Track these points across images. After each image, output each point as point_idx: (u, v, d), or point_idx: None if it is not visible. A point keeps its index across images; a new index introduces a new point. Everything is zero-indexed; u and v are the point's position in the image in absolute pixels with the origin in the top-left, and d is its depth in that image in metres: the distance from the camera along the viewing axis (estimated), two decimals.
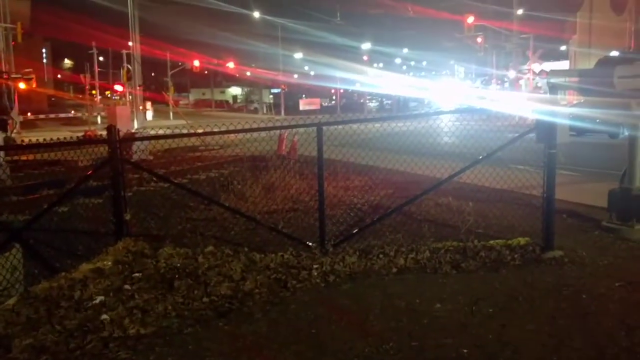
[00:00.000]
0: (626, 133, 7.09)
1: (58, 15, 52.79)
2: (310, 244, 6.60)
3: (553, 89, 7.99)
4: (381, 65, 71.83)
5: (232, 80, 78.75)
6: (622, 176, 7.32)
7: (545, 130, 6.31)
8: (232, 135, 9.33)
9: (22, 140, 9.55)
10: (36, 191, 11.76)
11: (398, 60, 77.40)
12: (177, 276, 5.67)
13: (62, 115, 45.31)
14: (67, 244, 7.41)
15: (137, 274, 5.74)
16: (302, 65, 65.25)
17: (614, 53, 8.09)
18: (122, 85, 42.89)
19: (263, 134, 9.34)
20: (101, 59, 55.99)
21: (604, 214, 7.47)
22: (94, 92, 50.82)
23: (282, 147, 16.74)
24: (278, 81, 56.98)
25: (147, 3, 46.56)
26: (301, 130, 7.34)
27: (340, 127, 7.59)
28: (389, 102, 55.62)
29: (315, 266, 5.97)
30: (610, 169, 7.75)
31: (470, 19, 44.48)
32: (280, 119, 46.10)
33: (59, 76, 73.83)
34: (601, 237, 7.05)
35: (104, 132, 6.90)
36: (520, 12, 41.89)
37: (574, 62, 39.26)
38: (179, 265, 5.96)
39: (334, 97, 60.63)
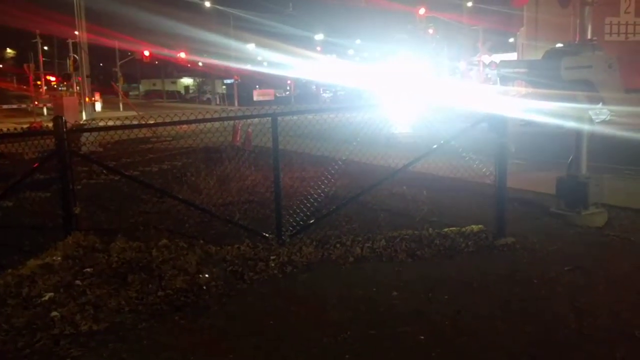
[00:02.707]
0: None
1: None
2: (267, 235, 6.55)
3: (503, 79, 8.16)
4: (334, 56, 71.93)
5: (184, 70, 77.42)
6: (570, 164, 7.56)
7: (496, 121, 6.45)
8: (184, 127, 9.15)
9: None
10: None
11: (351, 52, 77.71)
12: (130, 270, 5.53)
13: (6, 107, 43.48)
14: (13, 239, 7.11)
15: (88, 269, 5.57)
16: (256, 56, 64.70)
17: (560, 45, 8.31)
18: (55, 75, 41.41)
19: (217, 124, 9.19)
20: (46, 48, 54.08)
21: (553, 201, 7.70)
22: (39, 82, 48.98)
23: (236, 138, 16.56)
24: (231, 71, 56.31)
25: None
26: (255, 120, 7.26)
27: (295, 117, 7.55)
28: (343, 92, 55.82)
29: (272, 257, 5.93)
30: (558, 157, 7.99)
31: (422, 11, 45.01)
32: (234, 109, 45.65)
33: (0, 66, 70.88)
34: (550, 223, 7.28)
35: (51, 124, 6.64)
36: (469, 4, 42.68)
37: (522, 54, 40.30)
38: (132, 259, 5.82)
39: (288, 88, 60.34)
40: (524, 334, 4.29)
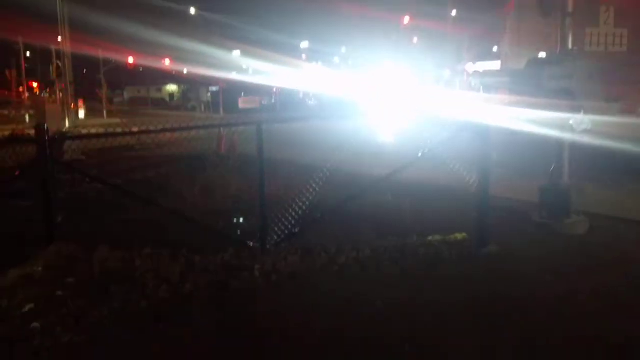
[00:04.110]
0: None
1: None
2: (251, 243, 6.53)
3: (486, 88, 8.25)
4: (319, 64, 72.19)
5: (169, 78, 77.11)
6: (552, 173, 7.64)
7: (479, 130, 6.51)
8: (169, 134, 9.11)
9: None
10: None
11: (336, 60, 78.03)
12: (113, 280, 5.47)
13: None
14: None
15: (70, 279, 5.51)
16: (241, 63, 64.67)
17: (543, 54, 8.43)
18: (37, 82, 41.09)
19: (202, 132, 9.17)
20: (28, 54, 53.59)
21: (536, 209, 7.76)
22: (21, 89, 48.52)
23: (222, 145, 16.49)
24: (216, 79, 56.17)
25: None
26: (241, 128, 7.25)
27: (280, 125, 7.56)
28: (328, 100, 56.00)
29: (256, 266, 5.91)
30: (541, 166, 8.07)
31: (406, 19, 45.42)
32: (219, 117, 45.53)
33: None
34: (533, 231, 7.34)
35: (33, 132, 6.58)
36: (454, 13, 43.13)
37: (506, 63, 40.77)
38: (115, 268, 5.77)
39: (273, 96, 60.34)
40: (505, 342, 4.32)
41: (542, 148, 8.03)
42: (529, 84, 7.50)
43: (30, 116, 39.12)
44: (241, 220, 7.99)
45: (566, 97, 7.19)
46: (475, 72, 36.40)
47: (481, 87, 8.38)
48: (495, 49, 44.56)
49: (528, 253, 6.40)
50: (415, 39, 46.96)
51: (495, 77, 8.64)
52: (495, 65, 40.62)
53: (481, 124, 6.50)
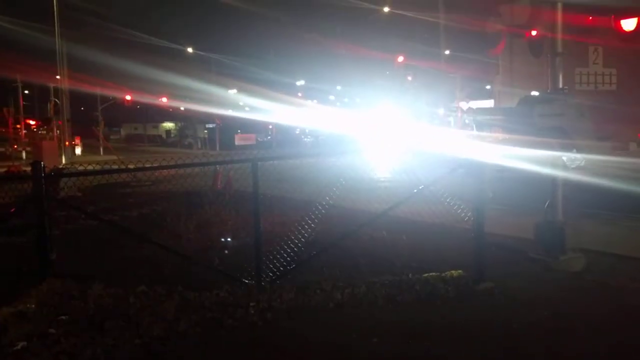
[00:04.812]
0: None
1: None
2: (246, 281, 6.50)
3: (479, 126, 8.36)
4: (315, 102, 73.01)
5: (166, 115, 77.68)
6: (546, 209, 7.68)
7: (474, 167, 6.58)
8: (165, 171, 9.16)
9: None
10: None
11: (332, 97, 78.97)
12: (107, 317, 5.42)
13: None
14: None
15: (63, 317, 5.45)
16: (237, 100, 65.33)
17: (534, 93, 8.58)
18: (35, 120, 41.45)
19: (197, 169, 9.21)
20: (27, 92, 54.04)
21: (532, 246, 7.78)
22: (18, 126, 48.72)
23: (217, 182, 16.53)
24: (212, 116, 56.63)
25: (76, 36, 45.53)
26: (237, 165, 7.30)
27: (276, 162, 7.62)
28: (324, 137, 56.39)
29: (252, 304, 5.87)
30: (535, 202, 8.13)
31: (400, 58, 46.16)
32: (215, 154, 45.73)
33: None
34: (529, 268, 7.33)
35: (29, 168, 6.60)
36: (447, 52, 43.88)
37: (498, 101, 41.35)
38: (109, 306, 5.72)
39: (269, 133, 60.74)
40: None
41: (536, 185, 8.10)
42: (521, 122, 7.61)
43: (27, 153, 39.24)
44: (236, 256, 7.96)
45: (558, 134, 7.29)
46: (469, 109, 36.84)
47: (474, 125, 8.48)
48: (488, 87, 45.26)
49: (524, 289, 6.39)
50: (409, 78, 47.62)
51: (489, 114, 8.77)
52: (489, 103, 41.21)
53: (475, 161, 6.57)
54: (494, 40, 9.58)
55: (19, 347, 4.79)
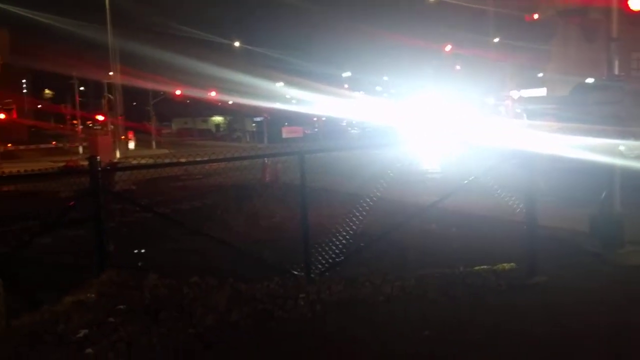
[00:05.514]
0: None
1: (38, 45, 52.65)
2: (295, 272, 6.57)
3: (532, 115, 8.16)
4: (362, 93, 72.71)
5: (215, 109, 78.97)
6: (603, 201, 7.44)
7: (526, 157, 6.43)
8: (215, 164, 9.33)
9: (2, 172, 9.44)
10: (17, 223, 11.56)
11: (379, 88, 78.46)
12: (162, 307, 5.59)
13: (43, 145, 44.84)
14: (49, 276, 7.28)
15: (121, 306, 5.65)
16: (284, 94, 65.80)
17: (589, 80, 8.31)
18: (104, 114, 42.89)
19: (246, 162, 9.35)
20: (82, 88, 55.94)
21: (587, 239, 7.56)
22: (75, 122, 50.60)
23: (265, 175, 16.72)
24: (260, 109, 57.27)
25: (128, 32, 46.73)
26: (284, 157, 7.36)
27: (322, 154, 7.65)
28: (370, 129, 56.14)
29: (301, 295, 5.93)
30: (591, 194, 7.88)
31: (448, 47, 45.38)
32: (263, 147, 46.24)
33: (39, 106, 73.42)
34: (584, 262, 7.12)
35: (86, 163, 6.85)
36: (496, 40, 42.85)
37: (551, 89, 40.13)
38: (163, 296, 5.89)
39: (316, 125, 60.91)
40: None
41: (591, 175, 7.85)
42: (575, 110, 7.41)
43: (83, 148, 40.67)
44: (285, 249, 8.05)
45: (614, 122, 7.05)
46: (520, 98, 35.94)
47: (526, 114, 8.29)
48: (540, 75, 43.95)
49: (579, 284, 6.21)
50: (458, 67, 46.79)
51: (541, 103, 8.55)
52: (541, 92, 40.05)
53: (527, 151, 6.42)
54: (546, 26, 9.31)
55: (81, 334, 5.00)
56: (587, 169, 7.81)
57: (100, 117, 47.91)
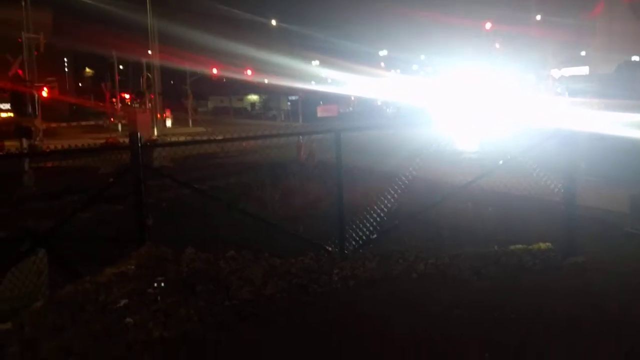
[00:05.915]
0: None
1: (79, 25, 53.70)
2: (329, 248, 6.62)
3: (573, 93, 7.96)
4: (398, 72, 71.85)
5: (250, 88, 79.27)
6: None
7: (566, 136, 6.29)
8: (251, 142, 9.42)
9: (48, 147, 9.73)
10: (60, 198, 11.95)
11: (415, 67, 77.39)
12: (198, 280, 5.72)
13: (84, 123, 45.90)
14: (91, 249, 7.52)
15: (159, 278, 5.80)
16: (319, 73, 65.55)
17: (635, 58, 8.04)
18: (129, 93, 43.56)
19: (281, 140, 9.41)
20: (121, 67, 56.83)
21: (627, 220, 7.39)
22: (114, 99, 51.57)
23: (301, 153, 16.79)
24: (295, 88, 57.24)
25: (166, 11, 47.16)
26: (319, 136, 7.39)
27: (358, 133, 7.63)
28: (406, 108, 55.55)
29: (335, 271, 5.99)
30: (630, 173, 7.68)
31: (488, 25, 44.35)
32: (298, 125, 46.33)
33: (80, 85, 75.05)
34: (624, 243, 6.98)
35: (125, 139, 6.99)
36: (538, 17, 41.70)
37: (594, 67, 38.89)
38: (200, 269, 6.02)
39: (351, 104, 60.57)
40: (595, 356, 4.15)
41: (633, 154, 7.64)
42: (620, 88, 7.19)
43: (122, 125, 41.46)
44: (320, 225, 8.11)
45: None
46: (562, 77, 34.97)
47: (567, 93, 8.08)
48: (583, 53, 42.64)
49: (618, 265, 6.09)
50: (498, 45, 45.71)
51: (583, 82, 8.32)
52: (583, 70, 38.88)
53: (567, 130, 6.28)
54: (591, 1, 9.02)
55: (121, 304, 5.17)
56: (629, 148, 7.60)
57: (126, 96, 48.84)
